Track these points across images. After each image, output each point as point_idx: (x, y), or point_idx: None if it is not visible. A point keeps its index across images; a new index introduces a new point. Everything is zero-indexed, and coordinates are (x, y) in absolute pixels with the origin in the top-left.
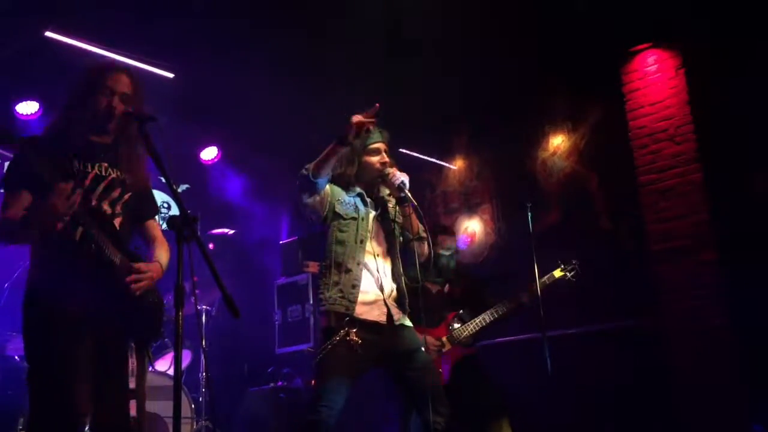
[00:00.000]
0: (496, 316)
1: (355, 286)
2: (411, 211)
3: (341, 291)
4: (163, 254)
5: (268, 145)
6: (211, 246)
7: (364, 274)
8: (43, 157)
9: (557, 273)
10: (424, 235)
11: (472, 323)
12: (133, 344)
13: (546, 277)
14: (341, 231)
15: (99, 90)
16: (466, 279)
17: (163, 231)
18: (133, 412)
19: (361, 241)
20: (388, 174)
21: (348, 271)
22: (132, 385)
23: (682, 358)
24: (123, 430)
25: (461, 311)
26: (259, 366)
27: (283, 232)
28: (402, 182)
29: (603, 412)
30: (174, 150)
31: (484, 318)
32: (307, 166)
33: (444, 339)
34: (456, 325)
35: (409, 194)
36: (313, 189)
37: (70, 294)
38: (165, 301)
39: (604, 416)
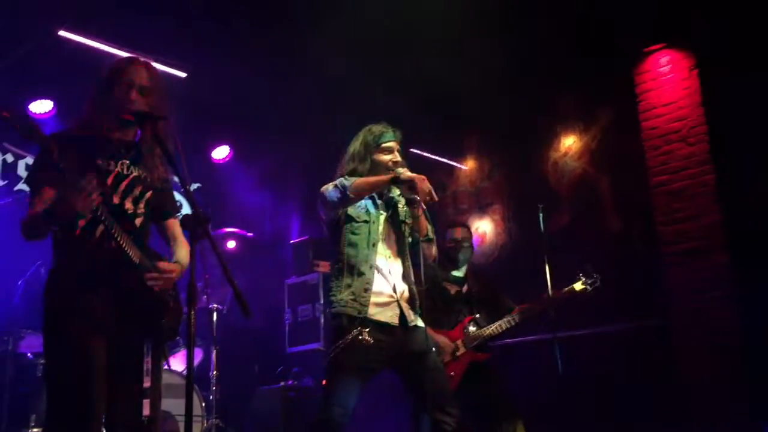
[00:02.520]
0: (513, 324)
1: (368, 290)
2: (421, 213)
3: (353, 294)
4: (183, 253)
5: (280, 145)
6: (233, 245)
7: (377, 276)
8: (67, 154)
9: (578, 286)
10: (432, 236)
11: (488, 329)
12: (149, 343)
13: (566, 289)
14: (353, 234)
15: (118, 83)
16: (483, 281)
17: None
18: (146, 411)
19: (374, 244)
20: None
21: (361, 274)
22: (146, 383)
23: (693, 359)
24: (136, 429)
25: (477, 315)
26: (270, 365)
27: (294, 232)
28: (394, 179)
29: (613, 413)
30: (185, 149)
31: (500, 325)
32: (346, 184)
33: (459, 342)
34: (471, 329)
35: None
36: (345, 205)
37: (89, 293)
38: (182, 305)
39: (613, 417)
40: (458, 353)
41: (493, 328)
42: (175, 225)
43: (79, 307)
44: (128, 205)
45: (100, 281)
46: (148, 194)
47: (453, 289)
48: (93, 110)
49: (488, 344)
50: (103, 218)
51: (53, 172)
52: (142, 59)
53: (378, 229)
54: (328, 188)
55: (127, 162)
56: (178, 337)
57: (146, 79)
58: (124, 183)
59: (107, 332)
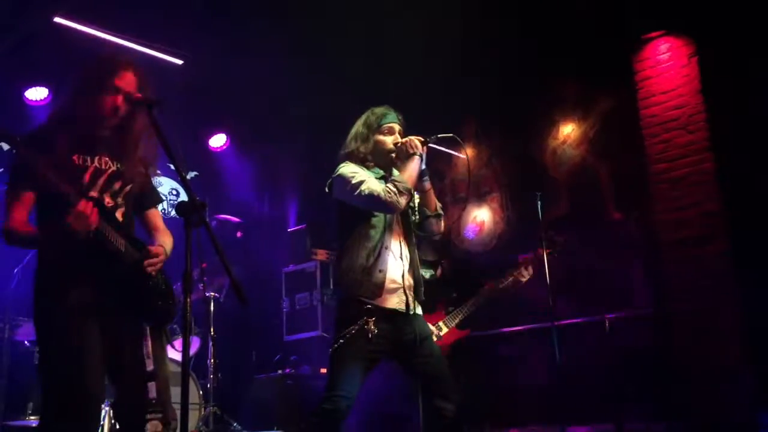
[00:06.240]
0: (490, 296)
1: (382, 271)
2: (430, 187)
3: (369, 274)
4: (166, 240)
5: (277, 133)
6: (238, 234)
7: (390, 258)
8: (43, 157)
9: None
10: (441, 212)
11: (465, 306)
12: (148, 328)
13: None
14: (374, 215)
15: (105, 89)
16: (453, 259)
17: (171, 217)
18: (152, 393)
19: (390, 225)
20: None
21: (377, 255)
22: (150, 367)
23: (691, 347)
24: (140, 410)
25: (454, 295)
26: (267, 353)
27: (291, 220)
28: (420, 155)
29: (610, 401)
30: (183, 137)
31: (477, 299)
32: (402, 188)
33: (441, 323)
34: (450, 308)
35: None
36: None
37: (77, 282)
38: (173, 288)
39: (611, 405)
40: (441, 334)
41: (471, 302)
42: (155, 215)
43: (66, 300)
44: (107, 199)
45: (87, 271)
46: (128, 188)
47: (427, 274)
48: (76, 108)
49: (466, 321)
50: None
51: (31, 175)
52: (128, 62)
53: None
54: (376, 192)
55: (106, 158)
56: (175, 326)
57: (133, 84)
58: (103, 178)
59: (98, 320)
